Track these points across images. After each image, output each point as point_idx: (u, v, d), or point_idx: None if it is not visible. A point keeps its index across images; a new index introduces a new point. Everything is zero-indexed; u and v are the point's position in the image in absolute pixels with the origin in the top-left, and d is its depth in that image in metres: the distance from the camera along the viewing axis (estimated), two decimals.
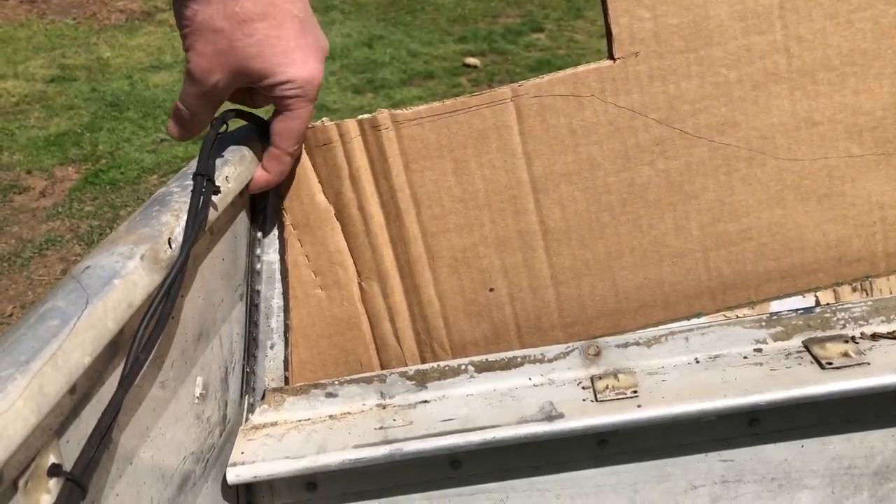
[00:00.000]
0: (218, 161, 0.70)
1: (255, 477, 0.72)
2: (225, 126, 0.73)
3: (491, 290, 0.79)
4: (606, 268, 0.78)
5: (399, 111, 0.75)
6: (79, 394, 0.50)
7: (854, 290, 0.77)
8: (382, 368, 0.81)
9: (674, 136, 0.74)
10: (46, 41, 4.96)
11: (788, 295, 0.78)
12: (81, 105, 4.03)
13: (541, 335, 0.80)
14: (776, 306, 0.78)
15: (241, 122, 0.77)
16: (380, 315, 0.80)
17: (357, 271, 0.80)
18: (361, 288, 0.80)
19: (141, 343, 0.54)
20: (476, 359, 0.77)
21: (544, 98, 0.74)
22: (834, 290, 0.77)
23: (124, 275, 0.53)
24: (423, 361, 0.81)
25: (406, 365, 0.81)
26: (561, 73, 0.74)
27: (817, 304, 0.77)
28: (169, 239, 0.59)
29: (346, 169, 0.77)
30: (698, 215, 0.76)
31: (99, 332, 0.49)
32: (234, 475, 0.72)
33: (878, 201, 0.76)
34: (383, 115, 0.75)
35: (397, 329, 0.80)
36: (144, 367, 0.54)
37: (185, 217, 0.61)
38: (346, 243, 0.79)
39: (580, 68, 0.74)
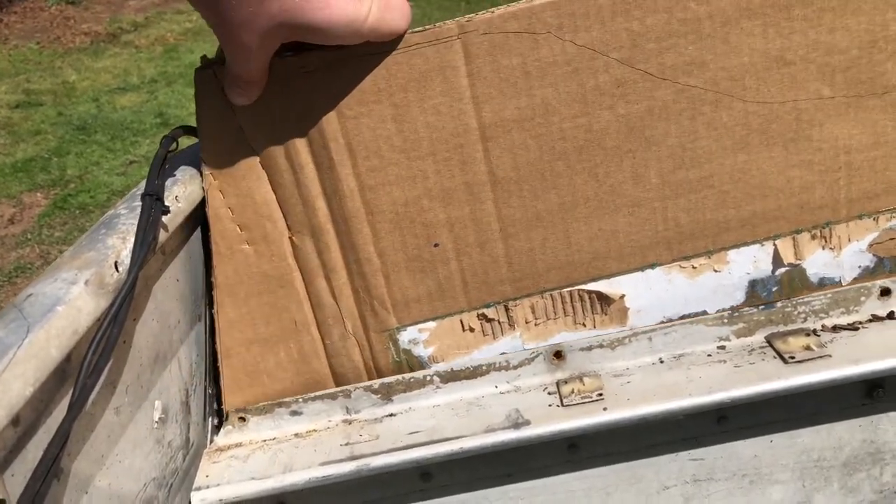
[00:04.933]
0: (168, 180, 0.69)
1: (221, 500, 0.71)
2: (175, 144, 0.72)
3: (436, 245, 0.74)
4: (559, 219, 0.74)
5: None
6: (23, 425, 0.49)
7: (813, 237, 0.75)
8: (319, 326, 0.77)
9: (636, 78, 0.70)
10: (10, 67, 4.92)
11: (746, 244, 0.75)
12: (48, 130, 3.99)
13: (488, 289, 0.76)
14: (733, 256, 0.75)
15: (193, 140, 0.76)
16: (314, 272, 0.75)
17: (287, 225, 0.74)
18: (293, 243, 0.75)
19: (89, 370, 0.52)
20: (441, 369, 0.77)
21: (495, 35, 0.69)
22: (793, 238, 0.75)
23: (68, 301, 0.52)
24: (363, 319, 0.77)
25: (344, 323, 0.77)
26: (514, 7, 0.67)
27: (776, 253, 0.75)
28: (115, 262, 0.58)
29: (272, 113, 0.70)
30: (658, 163, 0.73)
31: (41, 361, 0.48)
32: (200, 499, 0.71)
33: (844, 146, 0.73)
34: (312, 54, 0.68)
35: (333, 287, 0.76)
36: (94, 394, 0.53)
37: (132, 239, 0.60)
38: (273, 194, 0.73)
39: (535, 2, 0.68)
